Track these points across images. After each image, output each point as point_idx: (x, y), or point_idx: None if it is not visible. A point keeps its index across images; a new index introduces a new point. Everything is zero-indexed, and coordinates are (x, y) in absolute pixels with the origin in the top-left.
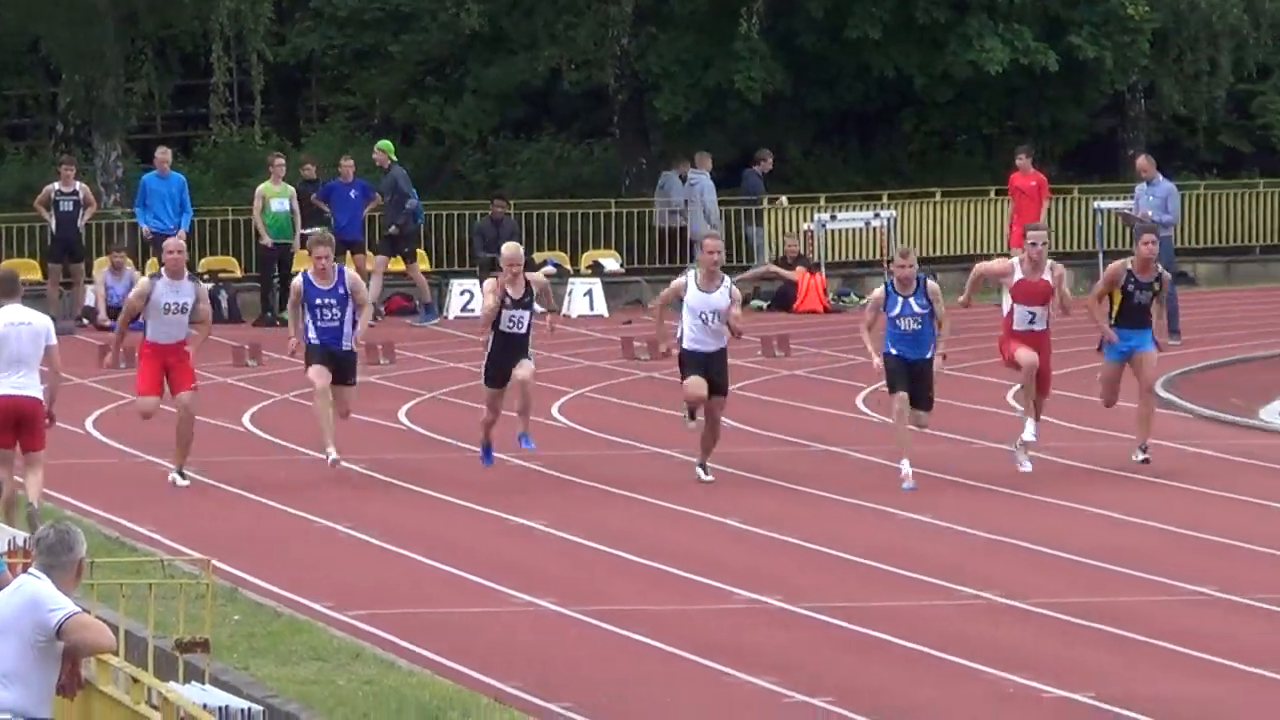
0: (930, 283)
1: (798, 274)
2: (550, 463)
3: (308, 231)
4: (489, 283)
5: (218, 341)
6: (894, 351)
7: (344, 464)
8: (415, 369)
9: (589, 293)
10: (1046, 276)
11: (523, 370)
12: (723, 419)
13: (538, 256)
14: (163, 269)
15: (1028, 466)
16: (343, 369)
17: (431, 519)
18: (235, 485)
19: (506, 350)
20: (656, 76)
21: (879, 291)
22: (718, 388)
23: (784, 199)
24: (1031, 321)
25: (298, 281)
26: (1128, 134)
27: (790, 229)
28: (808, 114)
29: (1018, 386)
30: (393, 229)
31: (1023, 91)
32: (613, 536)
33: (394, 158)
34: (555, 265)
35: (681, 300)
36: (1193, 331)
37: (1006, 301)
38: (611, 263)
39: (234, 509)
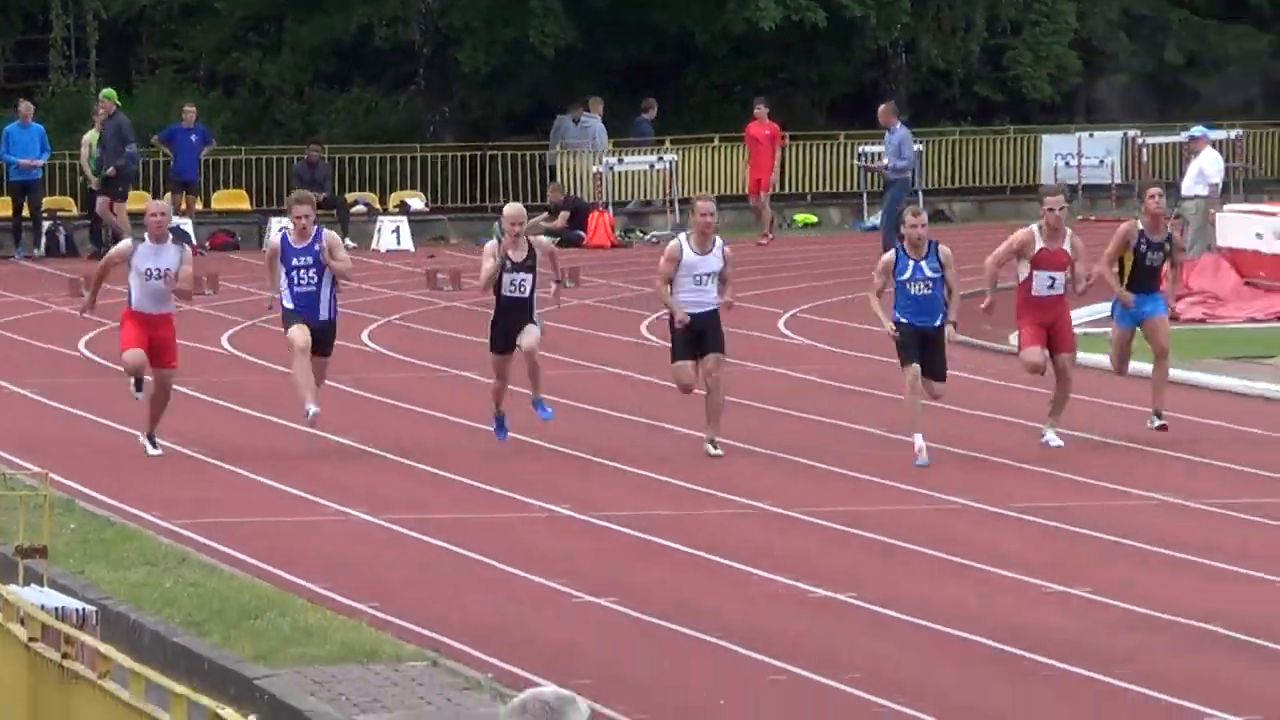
0: (943, 247)
1: (560, 220)
2: (357, 384)
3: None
4: (489, 245)
5: (54, 274)
6: (904, 320)
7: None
8: (235, 299)
9: (396, 229)
10: (1066, 247)
11: (528, 339)
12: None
13: (350, 196)
14: (146, 233)
15: (1057, 442)
16: (320, 339)
17: (254, 436)
18: (74, 405)
19: (509, 315)
20: (459, 32)
21: (889, 255)
22: (714, 345)
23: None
24: (1051, 286)
25: (276, 239)
26: (890, 86)
27: (580, 173)
28: (600, 68)
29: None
30: (110, 170)
31: (794, 47)
32: (419, 450)
33: (118, 103)
34: (365, 205)
35: (678, 264)
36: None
37: (1024, 269)
38: (416, 202)
39: (74, 426)
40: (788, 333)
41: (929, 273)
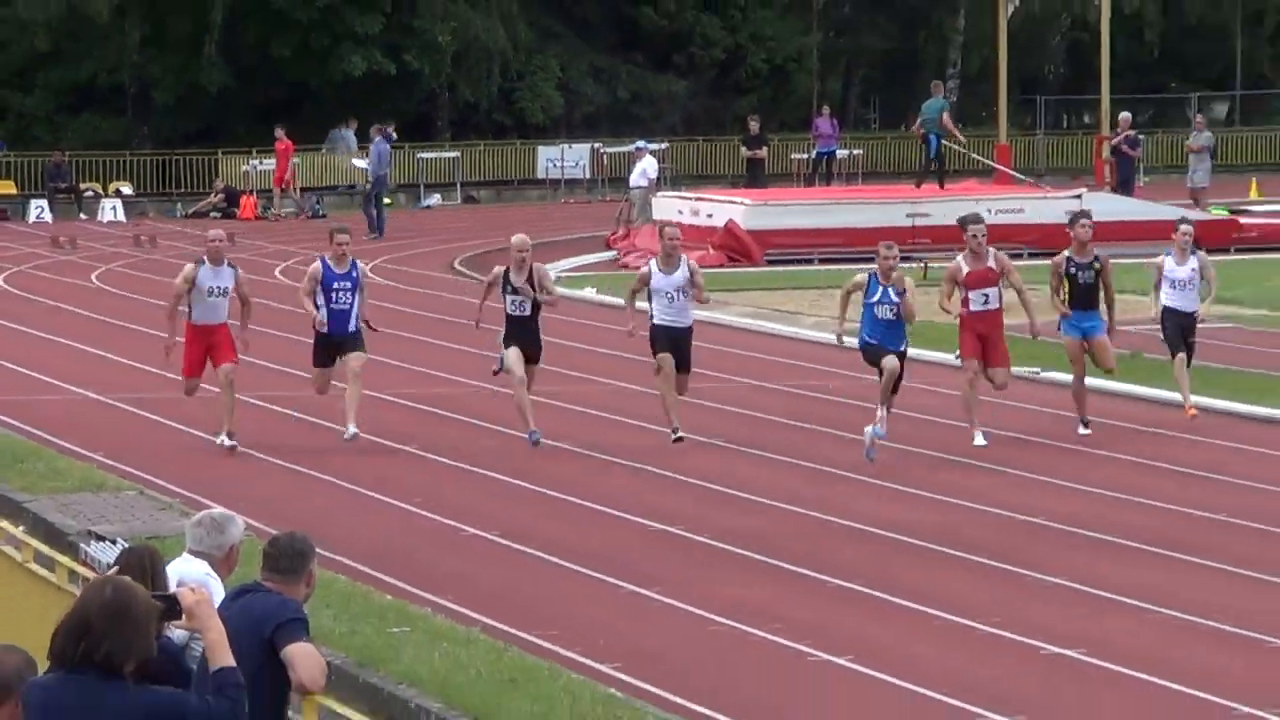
0: (906, 277)
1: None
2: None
3: None
4: (495, 270)
5: None
6: (873, 341)
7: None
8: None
9: (114, 207)
10: (991, 264)
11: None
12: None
13: (83, 185)
14: (204, 254)
15: (982, 441)
16: (345, 346)
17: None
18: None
19: (516, 330)
20: (154, 77)
21: (861, 276)
22: (683, 364)
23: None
24: (986, 302)
25: (316, 266)
26: (439, 118)
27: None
28: (249, 103)
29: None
30: None
31: (375, 89)
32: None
33: None
34: (93, 191)
35: (648, 286)
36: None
37: (959, 293)
38: (127, 189)
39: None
40: None
41: (894, 297)
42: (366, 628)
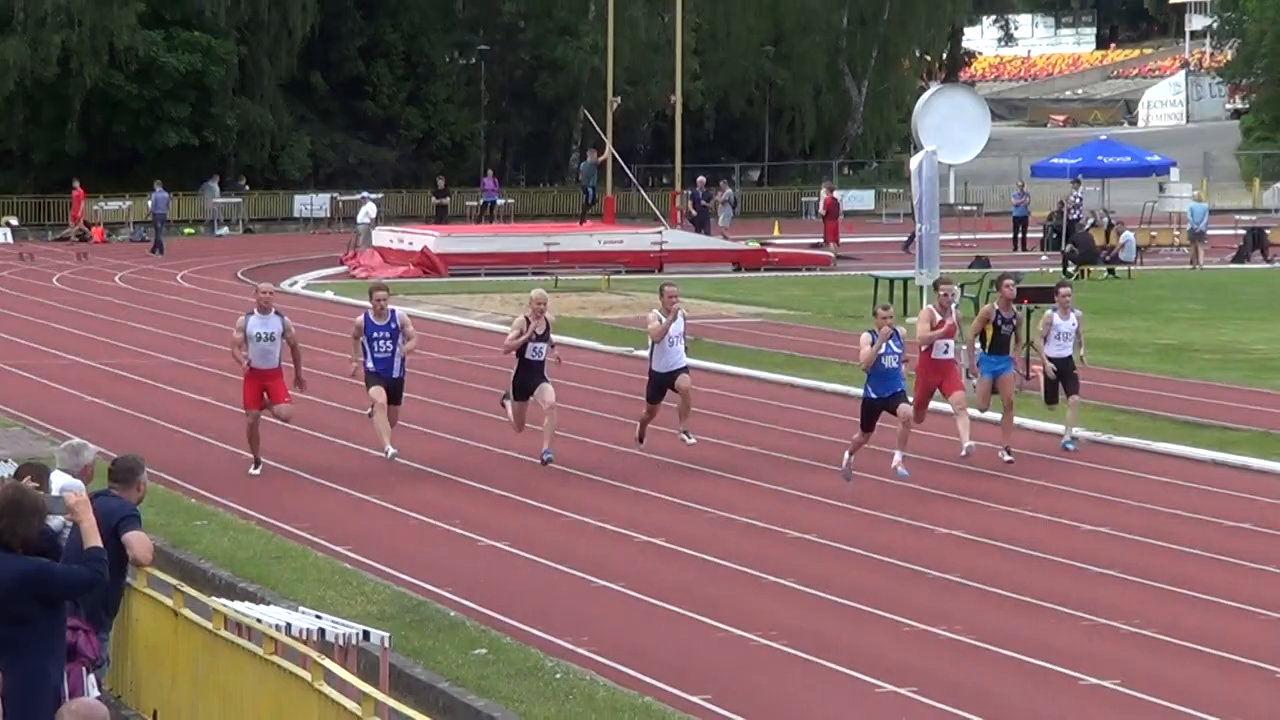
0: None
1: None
2: None
3: None
4: (518, 319)
5: None
6: (871, 394)
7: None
8: None
9: (4, 234)
10: (951, 319)
11: (549, 396)
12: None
13: None
14: (255, 307)
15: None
16: (393, 392)
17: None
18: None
19: (529, 373)
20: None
21: (866, 335)
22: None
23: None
24: (946, 351)
25: (360, 319)
26: (229, 174)
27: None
28: (99, 164)
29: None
30: None
31: (184, 155)
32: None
33: None
34: None
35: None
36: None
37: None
38: (14, 220)
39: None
40: None
41: (895, 348)
42: (177, 520)
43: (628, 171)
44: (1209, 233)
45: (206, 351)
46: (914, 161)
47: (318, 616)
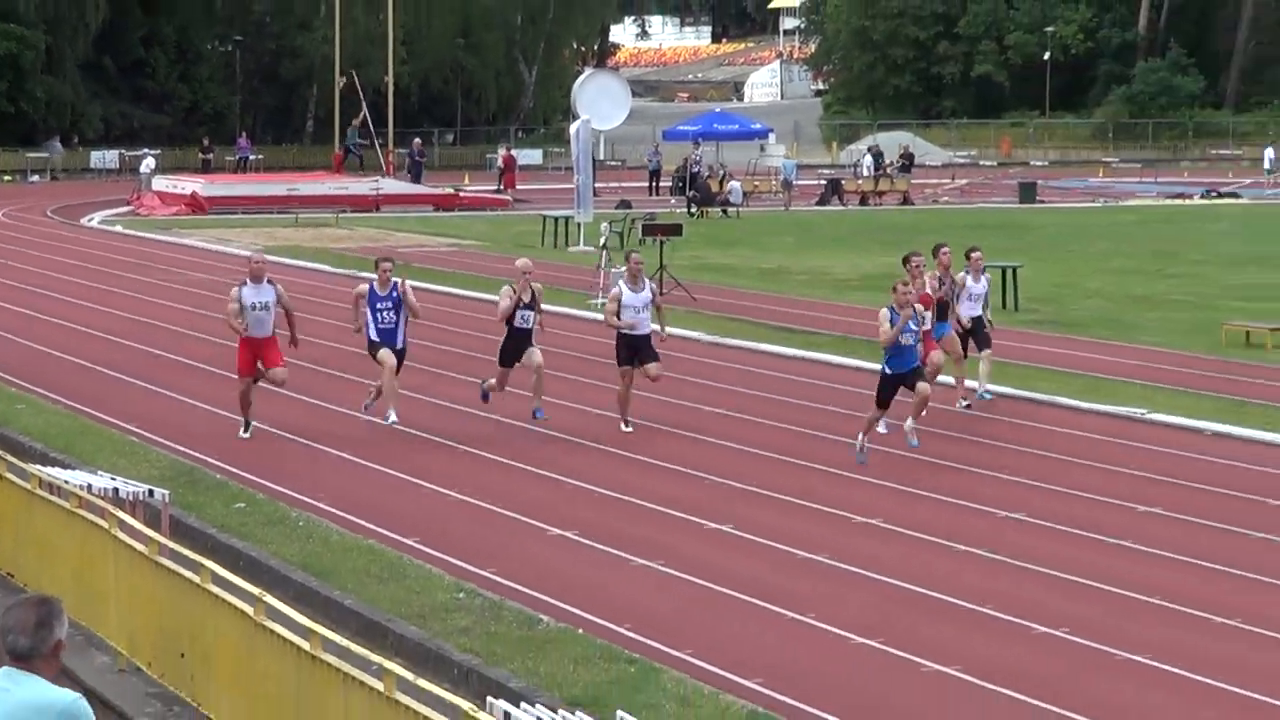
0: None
1: None
2: None
3: None
4: (505, 288)
5: None
6: (889, 370)
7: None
8: None
9: None
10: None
11: (536, 357)
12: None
13: None
14: (247, 276)
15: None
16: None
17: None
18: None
19: (517, 340)
20: None
21: (884, 312)
22: (652, 358)
23: None
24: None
25: (363, 287)
26: (43, 134)
27: None
28: None
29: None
30: None
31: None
32: None
33: None
34: None
35: (620, 302)
36: None
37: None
38: None
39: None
40: None
41: (913, 326)
42: (1, 403)
43: (371, 129)
44: (798, 183)
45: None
46: (573, 128)
47: (113, 479)
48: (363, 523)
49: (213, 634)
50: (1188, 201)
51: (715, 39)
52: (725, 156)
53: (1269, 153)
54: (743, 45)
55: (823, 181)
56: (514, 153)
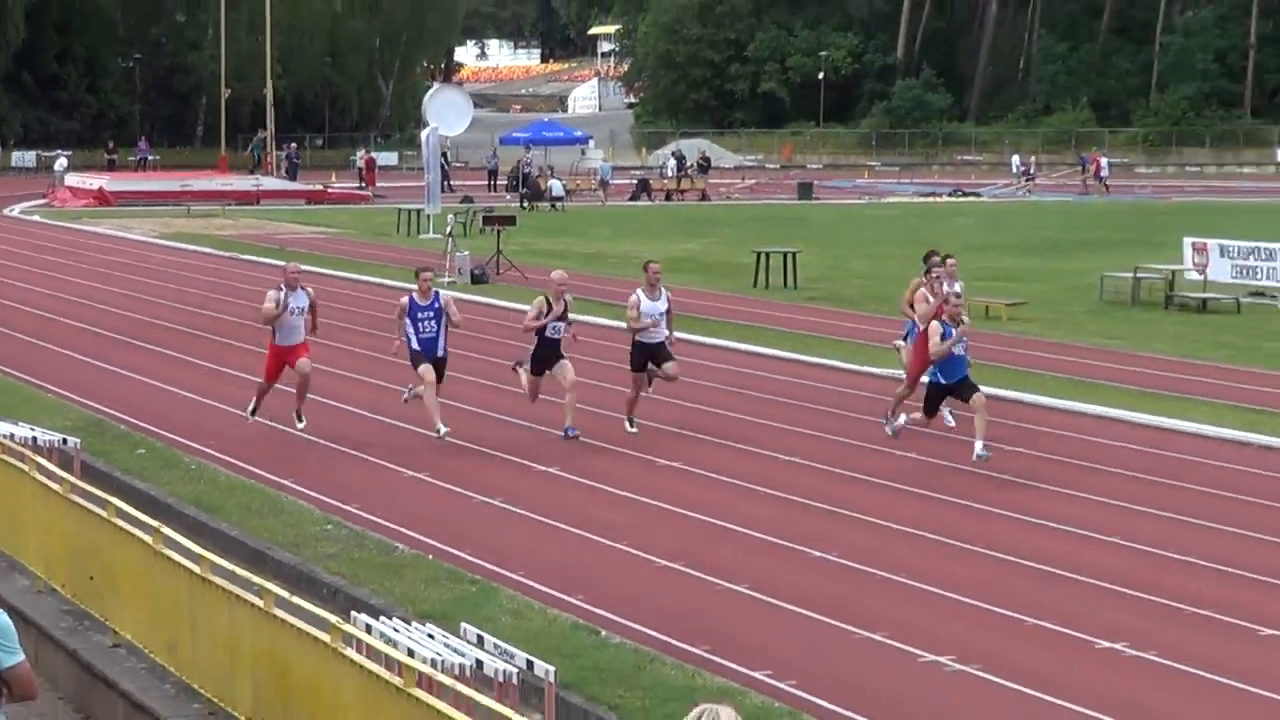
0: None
1: None
2: None
3: None
4: (538, 300)
5: None
6: (942, 380)
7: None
8: None
9: None
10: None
11: (570, 375)
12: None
13: None
14: (283, 283)
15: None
16: (438, 370)
17: None
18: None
19: (548, 350)
20: None
21: (935, 325)
22: (668, 358)
23: None
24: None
25: (405, 300)
26: None
27: None
28: None
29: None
30: None
31: None
32: None
33: None
34: None
35: (639, 309)
36: None
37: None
38: None
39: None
40: None
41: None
42: None
43: (266, 142)
44: (613, 182)
45: None
46: (424, 134)
47: (32, 429)
48: (245, 465)
49: (118, 560)
50: (937, 200)
51: (544, 59)
52: (552, 159)
53: (1016, 159)
54: (567, 65)
55: (634, 180)
56: (374, 155)
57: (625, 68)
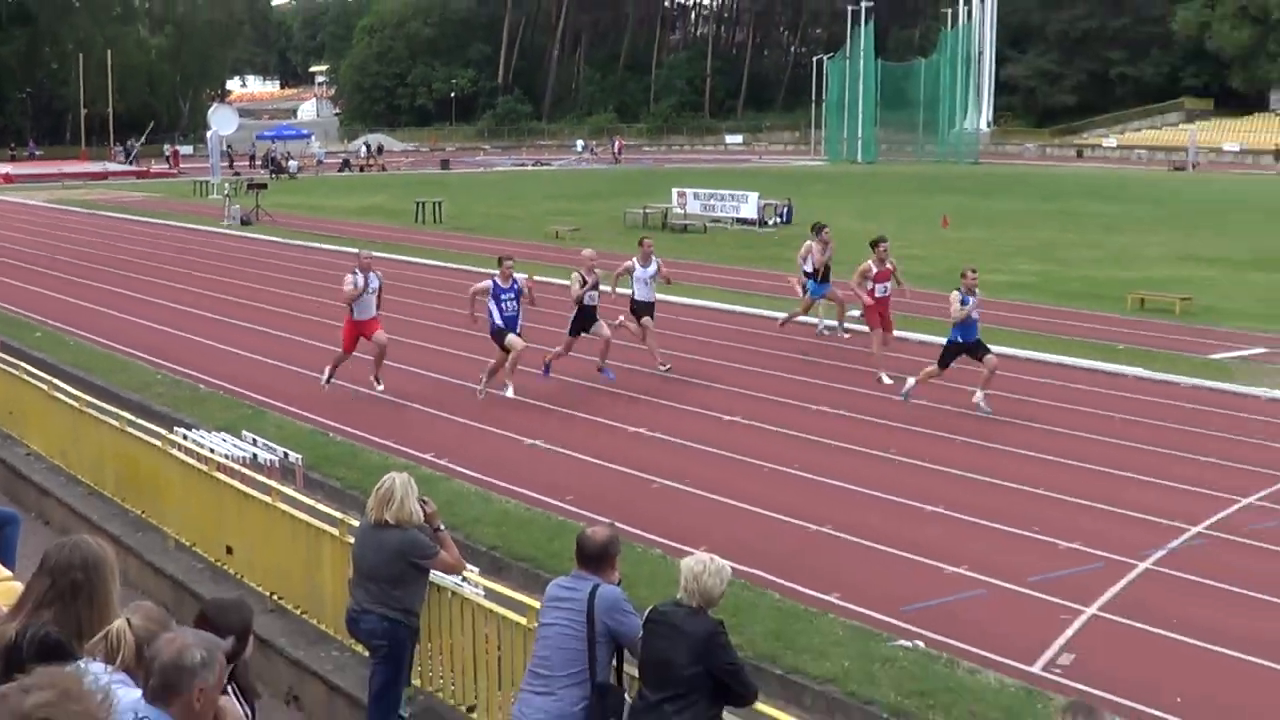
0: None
1: None
2: None
3: None
4: (576, 275)
5: None
6: (960, 339)
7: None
8: None
9: None
10: (889, 266)
11: (605, 330)
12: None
13: None
14: (357, 268)
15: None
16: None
17: None
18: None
19: (585, 314)
20: None
21: (956, 294)
22: (650, 316)
23: None
24: (885, 291)
25: (487, 283)
26: None
27: None
28: None
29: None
30: None
31: None
32: None
33: None
34: None
35: (630, 273)
36: None
37: (868, 284)
38: None
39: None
40: None
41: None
42: None
43: (139, 145)
44: (326, 160)
45: None
46: (209, 134)
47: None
48: (111, 344)
49: (25, 396)
50: (526, 169)
51: (282, 87)
52: (289, 148)
53: (580, 143)
54: (297, 90)
55: (340, 160)
56: (178, 148)
57: (333, 91)
